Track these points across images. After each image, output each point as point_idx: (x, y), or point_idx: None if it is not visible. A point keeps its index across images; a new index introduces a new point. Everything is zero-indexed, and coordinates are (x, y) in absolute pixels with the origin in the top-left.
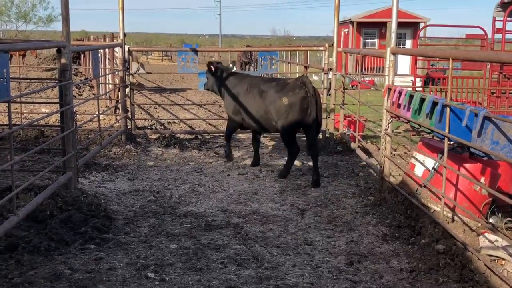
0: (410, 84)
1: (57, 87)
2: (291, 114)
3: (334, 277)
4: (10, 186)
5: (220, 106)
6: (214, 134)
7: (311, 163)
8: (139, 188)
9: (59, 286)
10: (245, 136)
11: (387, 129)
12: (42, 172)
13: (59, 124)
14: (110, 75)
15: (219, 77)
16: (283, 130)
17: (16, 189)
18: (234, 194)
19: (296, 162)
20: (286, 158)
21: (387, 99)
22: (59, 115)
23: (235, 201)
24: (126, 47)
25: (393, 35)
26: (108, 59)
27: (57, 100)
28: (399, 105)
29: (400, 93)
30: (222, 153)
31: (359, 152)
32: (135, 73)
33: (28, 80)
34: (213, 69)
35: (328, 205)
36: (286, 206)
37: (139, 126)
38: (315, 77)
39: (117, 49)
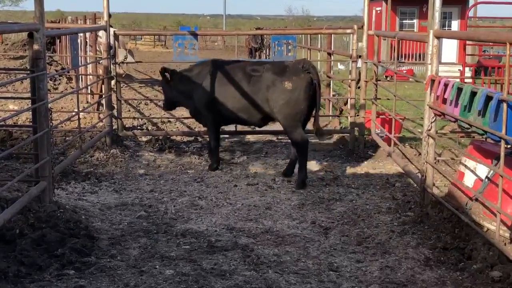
0: (458, 74)
1: (28, 79)
2: (295, 101)
3: None
4: None
5: None
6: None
7: (336, 171)
8: (127, 201)
9: None
10: (255, 138)
11: (429, 130)
12: (11, 182)
13: (31, 123)
14: (91, 65)
15: (178, 79)
16: (286, 120)
17: None
18: (242, 209)
19: (318, 171)
20: (314, 162)
21: (430, 93)
22: (30, 113)
23: (244, 217)
24: (112, 31)
25: (437, 15)
26: (90, 45)
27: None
28: (444, 100)
29: (446, 85)
30: (228, 159)
31: (396, 157)
32: (122, 62)
33: None
34: (168, 76)
35: (357, 222)
36: (306, 223)
37: (126, 126)
38: (340, 66)
39: (100, 33)
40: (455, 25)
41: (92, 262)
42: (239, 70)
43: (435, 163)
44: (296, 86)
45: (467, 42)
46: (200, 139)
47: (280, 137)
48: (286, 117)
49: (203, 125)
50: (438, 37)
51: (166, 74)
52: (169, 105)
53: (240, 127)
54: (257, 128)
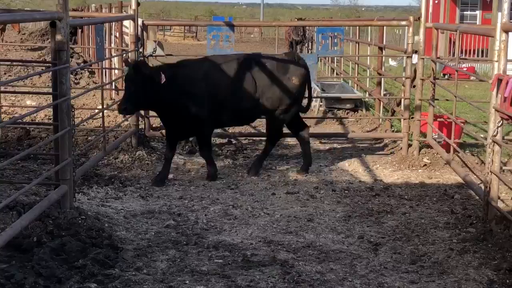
0: None
1: (49, 73)
2: (298, 96)
3: None
4: None
5: None
6: (254, 139)
7: (387, 180)
8: (154, 208)
9: None
10: (295, 141)
11: (495, 135)
12: (28, 185)
13: (50, 121)
14: (117, 58)
15: (171, 76)
16: (284, 116)
17: None
18: (281, 220)
19: (367, 179)
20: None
21: (497, 94)
22: (49, 110)
23: (283, 229)
24: (140, 21)
25: (506, 6)
26: (115, 37)
27: (45, 90)
28: None
29: None
30: (265, 164)
31: (455, 166)
32: (150, 55)
33: (9, 63)
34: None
35: (411, 238)
36: (353, 238)
37: (154, 125)
38: (392, 62)
39: (126, 23)
40: None
41: (116, 275)
42: (238, 66)
43: (501, 173)
44: (301, 81)
45: None
46: (234, 141)
47: (323, 141)
48: (285, 113)
49: (197, 134)
50: (507, 31)
51: (147, 67)
52: (132, 107)
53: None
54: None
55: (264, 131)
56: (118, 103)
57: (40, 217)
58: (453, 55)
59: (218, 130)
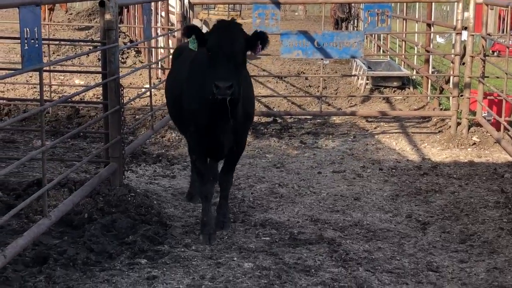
0: None
1: (97, 52)
2: None
3: None
4: (39, 180)
5: (307, 79)
6: (299, 117)
7: (435, 159)
8: None
9: None
10: (341, 120)
11: None
12: (80, 162)
13: (98, 100)
14: (163, 37)
15: None
16: None
17: (48, 184)
18: (327, 199)
19: (414, 158)
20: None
21: None
22: (97, 89)
23: (330, 208)
24: (186, 0)
25: None
26: (161, 16)
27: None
28: None
29: None
30: (310, 143)
31: (505, 144)
32: None
33: (57, 42)
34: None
35: (460, 217)
36: (401, 217)
37: None
38: (439, 39)
39: (172, 2)
40: None
41: (165, 251)
42: None
43: None
44: None
45: None
46: (279, 120)
47: (370, 120)
48: None
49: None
50: None
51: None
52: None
53: (324, 107)
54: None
55: (311, 110)
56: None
57: (90, 194)
58: (504, 31)
59: (264, 109)
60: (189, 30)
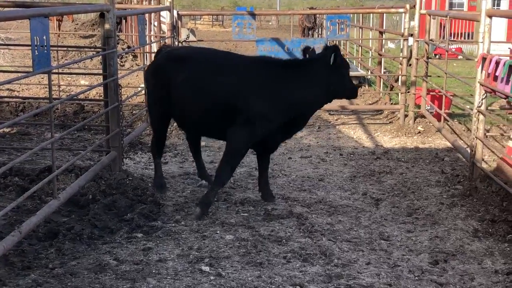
0: (508, 52)
1: (99, 56)
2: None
3: (416, 277)
4: (49, 167)
5: None
6: None
7: (386, 146)
8: (190, 171)
9: (104, 278)
10: None
11: (480, 106)
12: (85, 151)
13: (101, 98)
14: (156, 43)
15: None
16: None
17: (57, 170)
18: (296, 180)
19: (369, 145)
20: (365, 136)
21: (481, 71)
22: (99, 88)
23: (298, 188)
24: (175, 11)
25: None
26: (154, 25)
27: (96, 71)
28: (495, 78)
29: (497, 63)
30: None
31: (445, 133)
32: (184, 41)
33: (65, 49)
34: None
35: (407, 194)
36: (358, 195)
37: None
38: (390, 45)
39: (163, 13)
40: (504, 4)
41: (159, 226)
42: None
43: (484, 138)
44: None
45: None
46: None
47: (332, 113)
48: None
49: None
50: (490, 16)
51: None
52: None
53: None
54: None
55: None
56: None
57: (94, 179)
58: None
59: None
60: (335, 48)
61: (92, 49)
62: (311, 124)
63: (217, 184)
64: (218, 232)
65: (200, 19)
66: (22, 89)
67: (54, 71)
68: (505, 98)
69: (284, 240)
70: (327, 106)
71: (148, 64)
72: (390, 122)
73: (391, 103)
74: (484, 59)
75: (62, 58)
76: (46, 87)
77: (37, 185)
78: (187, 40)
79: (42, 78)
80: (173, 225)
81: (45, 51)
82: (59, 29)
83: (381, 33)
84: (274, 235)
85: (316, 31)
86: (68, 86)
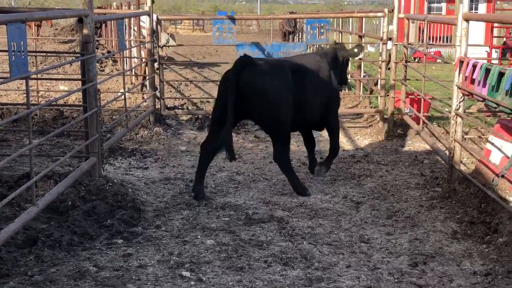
0: (485, 55)
1: (78, 62)
2: None
3: (396, 280)
4: (28, 173)
5: None
6: None
7: (366, 149)
8: (170, 176)
9: (84, 285)
10: None
11: (458, 109)
12: (63, 157)
13: (81, 103)
14: (135, 48)
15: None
16: None
17: (35, 177)
18: (277, 184)
19: (350, 148)
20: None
21: (459, 74)
22: (79, 93)
23: (279, 191)
24: (154, 16)
25: None
26: (134, 30)
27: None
28: (472, 81)
29: (474, 66)
30: (263, 137)
31: (424, 135)
32: (164, 46)
33: (44, 54)
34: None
35: (387, 197)
36: (338, 198)
37: (168, 106)
38: (370, 48)
39: (143, 18)
40: (482, 8)
41: (139, 232)
42: None
43: (462, 141)
44: None
45: (494, 24)
46: None
47: None
48: None
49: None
50: (467, 20)
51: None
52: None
53: None
54: None
55: None
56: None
57: (73, 185)
58: (422, 41)
59: None
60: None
61: (70, 54)
62: None
63: (336, 153)
64: (199, 237)
65: (181, 23)
66: (0, 95)
67: (32, 76)
68: (482, 101)
69: (265, 244)
70: None
71: (127, 68)
72: (370, 126)
73: (371, 107)
74: (461, 62)
75: (41, 63)
76: (24, 93)
77: (16, 192)
78: (167, 45)
79: (21, 83)
80: (154, 230)
81: (23, 57)
82: (38, 34)
83: (360, 37)
84: (255, 239)
85: (297, 35)
86: (47, 92)
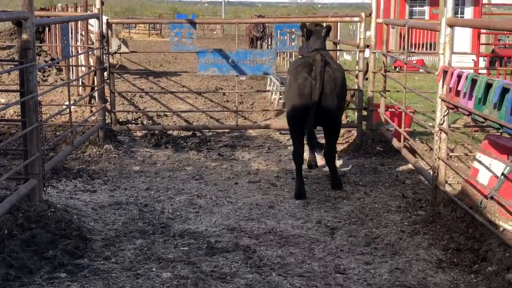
0: (472, 65)
1: (17, 70)
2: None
3: None
4: None
5: (225, 94)
6: (217, 131)
7: (342, 168)
8: (122, 200)
9: None
10: (256, 133)
11: (442, 124)
12: None
13: (19, 117)
14: (83, 55)
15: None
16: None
17: None
18: (243, 208)
19: (324, 168)
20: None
21: (443, 85)
22: (18, 106)
23: (246, 216)
24: (104, 19)
25: (450, 1)
26: (81, 35)
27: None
28: (458, 93)
29: (459, 77)
30: (228, 155)
31: (406, 153)
32: (115, 52)
33: None
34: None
35: (365, 222)
36: (311, 223)
37: (120, 120)
38: (346, 56)
39: (92, 21)
40: (468, 12)
41: (85, 264)
42: None
43: (447, 159)
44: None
45: (482, 30)
46: (198, 134)
47: (283, 132)
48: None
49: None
50: (451, 26)
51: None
52: None
53: (240, 121)
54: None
55: (228, 124)
56: None
57: (10, 211)
58: (403, 48)
59: (183, 123)
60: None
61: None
62: (260, 145)
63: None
64: (153, 269)
65: (135, 27)
66: None
67: None
68: (468, 115)
69: (228, 277)
70: (277, 125)
71: (73, 78)
72: (346, 142)
73: (347, 121)
74: (445, 72)
75: None
76: None
77: None
78: (118, 52)
79: None
80: (102, 262)
81: None
82: None
83: (335, 44)
84: (217, 271)
85: (265, 41)
86: None
